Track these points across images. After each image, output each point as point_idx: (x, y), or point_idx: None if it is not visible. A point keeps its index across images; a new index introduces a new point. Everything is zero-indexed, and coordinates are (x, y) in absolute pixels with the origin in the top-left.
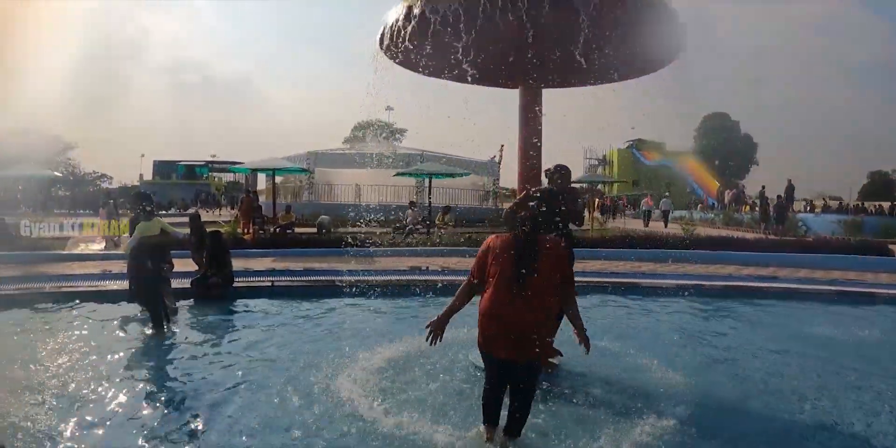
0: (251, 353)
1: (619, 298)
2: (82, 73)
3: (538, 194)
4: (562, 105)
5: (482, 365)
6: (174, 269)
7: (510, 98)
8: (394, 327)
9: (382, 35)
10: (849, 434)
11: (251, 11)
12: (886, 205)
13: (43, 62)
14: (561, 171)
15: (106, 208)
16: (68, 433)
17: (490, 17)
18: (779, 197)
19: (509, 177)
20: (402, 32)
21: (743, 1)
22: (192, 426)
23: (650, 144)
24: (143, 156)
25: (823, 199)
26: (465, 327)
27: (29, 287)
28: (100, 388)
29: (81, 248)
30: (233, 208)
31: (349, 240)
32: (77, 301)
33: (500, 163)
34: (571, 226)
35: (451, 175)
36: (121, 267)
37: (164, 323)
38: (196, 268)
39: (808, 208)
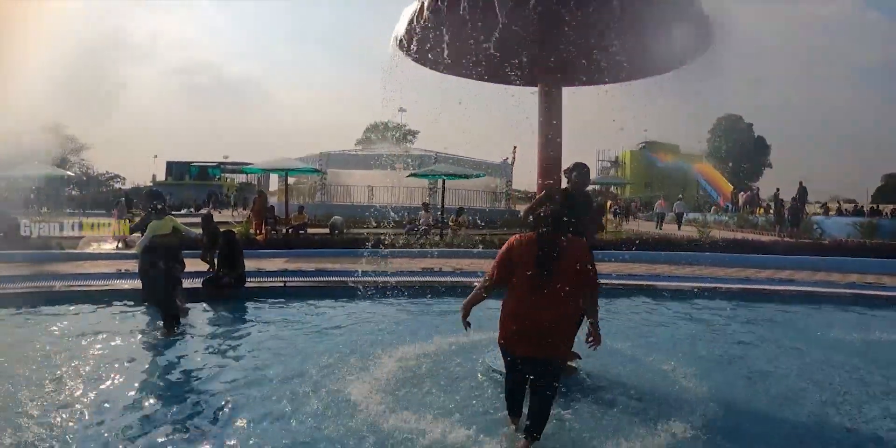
0: (261, 354)
1: (635, 301)
2: (94, 75)
3: (557, 195)
4: (574, 105)
5: (497, 367)
6: (185, 269)
7: (525, 97)
8: (407, 329)
9: (400, 30)
10: (873, 439)
11: (261, 12)
12: None
13: (53, 63)
14: (581, 169)
15: (118, 208)
16: (75, 431)
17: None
18: (793, 199)
19: (522, 179)
20: (421, 25)
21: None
22: (200, 426)
23: (663, 146)
24: (155, 157)
25: (838, 201)
26: (480, 331)
27: (39, 286)
28: (108, 387)
29: (93, 248)
30: (244, 209)
31: (362, 241)
32: (88, 300)
33: (513, 164)
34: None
35: (465, 176)
36: (126, 266)
37: (175, 322)
38: (206, 267)
39: (824, 211)
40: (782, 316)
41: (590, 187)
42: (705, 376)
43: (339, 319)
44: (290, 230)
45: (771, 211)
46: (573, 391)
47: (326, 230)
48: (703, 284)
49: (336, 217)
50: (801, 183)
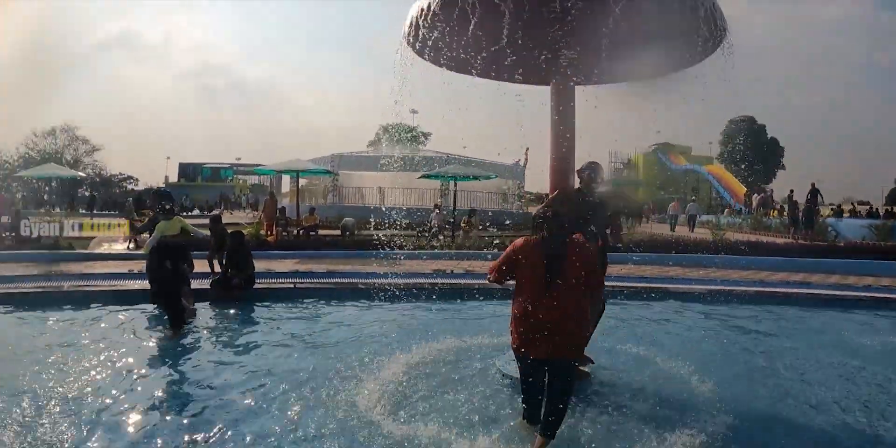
0: (268, 356)
1: (648, 303)
2: (108, 77)
3: (562, 197)
4: (587, 105)
5: (509, 372)
6: (195, 270)
7: (537, 97)
8: (418, 331)
9: (408, 25)
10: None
11: (276, 15)
12: None
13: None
14: (591, 167)
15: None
16: (76, 433)
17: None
18: (806, 201)
19: (534, 180)
20: (431, 19)
21: (768, 1)
22: (202, 429)
23: (676, 148)
24: (168, 158)
25: (852, 204)
26: (490, 334)
27: (47, 286)
28: (111, 388)
29: (104, 248)
30: (255, 210)
31: (374, 242)
32: (95, 300)
33: (524, 166)
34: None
35: (477, 177)
36: (130, 266)
37: (182, 323)
38: (209, 269)
39: (839, 213)
40: (798, 319)
41: (604, 189)
42: (721, 382)
43: (349, 321)
44: (300, 231)
45: (785, 213)
46: (587, 396)
47: (337, 232)
48: (716, 287)
49: (347, 218)
50: (812, 184)
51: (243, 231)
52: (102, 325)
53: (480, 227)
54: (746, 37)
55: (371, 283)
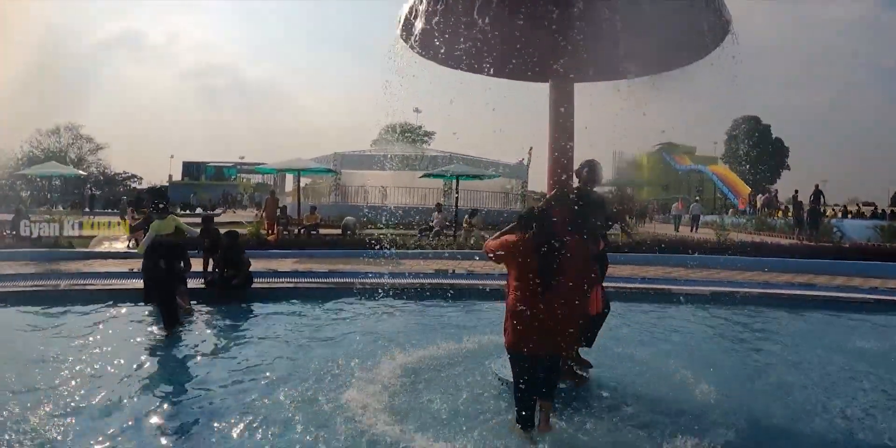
0: (265, 356)
1: (651, 305)
2: (109, 77)
3: (558, 196)
4: (588, 104)
5: (503, 375)
6: (192, 269)
7: (538, 96)
8: (418, 332)
9: (402, 19)
10: None
11: (278, 15)
12: None
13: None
14: (589, 165)
15: (127, 207)
16: (70, 433)
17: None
18: (811, 202)
19: (538, 180)
20: (425, 12)
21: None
22: (195, 429)
23: (680, 148)
24: (171, 157)
25: (857, 204)
26: (488, 335)
27: (43, 285)
28: (103, 387)
29: (104, 247)
30: (259, 209)
31: (375, 242)
32: (91, 299)
33: (528, 165)
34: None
35: (479, 177)
36: (130, 265)
37: (176, 323)
38: (202, 268)
39: (846, 214)
40: (802, 322)
41: (606, 189)
42: (723, 385)
43: (350, 322)
44: (301, 230)
45: (790, 214)
46: (585, 401)
47: (339, 231)
48: (720, 288)
49: (349, 217)
50: (816, 186)
51: (242, 230)
52: (98, 324)
53: (480, 228)
54: (746, 37)
55: (371, 283)
